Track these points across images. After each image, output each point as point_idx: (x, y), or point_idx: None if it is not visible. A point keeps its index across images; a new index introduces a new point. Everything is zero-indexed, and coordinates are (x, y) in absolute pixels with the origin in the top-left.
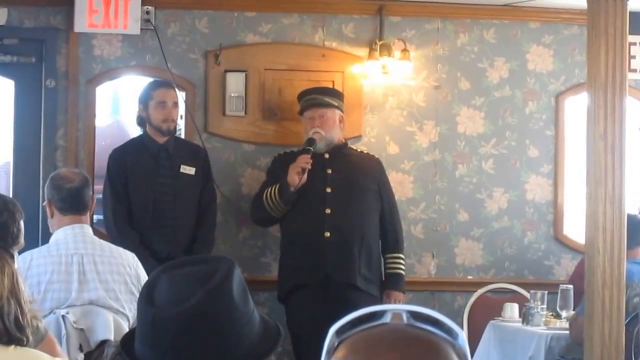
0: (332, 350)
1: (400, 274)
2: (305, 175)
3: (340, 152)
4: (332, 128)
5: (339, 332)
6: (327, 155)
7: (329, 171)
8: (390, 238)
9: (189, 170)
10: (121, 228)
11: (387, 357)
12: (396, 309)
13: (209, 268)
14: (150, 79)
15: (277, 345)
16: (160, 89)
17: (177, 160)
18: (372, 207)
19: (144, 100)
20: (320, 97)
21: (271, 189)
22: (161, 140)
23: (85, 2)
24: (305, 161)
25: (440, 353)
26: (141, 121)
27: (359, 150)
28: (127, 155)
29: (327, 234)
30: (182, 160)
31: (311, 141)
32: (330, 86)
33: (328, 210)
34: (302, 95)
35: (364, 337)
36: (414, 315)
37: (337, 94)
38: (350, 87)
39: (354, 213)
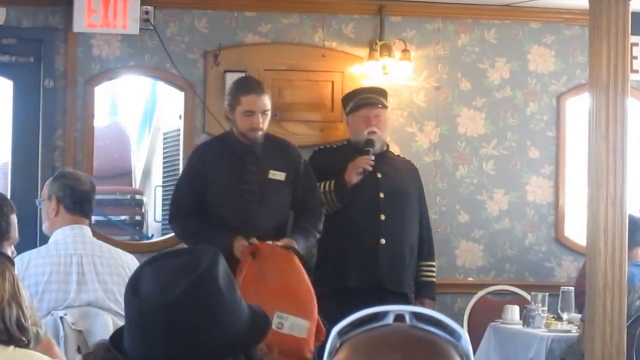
0: (334, 351)
1: (433, 281)
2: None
3: (385, 156)
4: (384, 130)
5: (341, 332)
6: (373, 157)
7: (379, 175)
8: (425, 246)
9: (278, 175)
10: (180, 221)
11: (389, 358)
12: (399, 310)
13: (194, 258)
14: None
15: (266, 333)
16: (250, 96)
17: (266, 165)
18: (416, 215)
19: (231, 103)
20: (376, 97)
21: (326, 184)
22: (248, 141)
23: (84, 1)
24: (367, 162)
25: (443, 354)
26: (228, 120)
27: (396, 154)
28: (210, 154)
29: (383, 241)
30: (272, 165)
31: (370, 142)
32: (331, 87)
33: (383, 217)
34: (355, 94)
35: (366, 338)
36: (417, 316)
37: (386, 96)
38: (351, 88)
39: (406, 220)
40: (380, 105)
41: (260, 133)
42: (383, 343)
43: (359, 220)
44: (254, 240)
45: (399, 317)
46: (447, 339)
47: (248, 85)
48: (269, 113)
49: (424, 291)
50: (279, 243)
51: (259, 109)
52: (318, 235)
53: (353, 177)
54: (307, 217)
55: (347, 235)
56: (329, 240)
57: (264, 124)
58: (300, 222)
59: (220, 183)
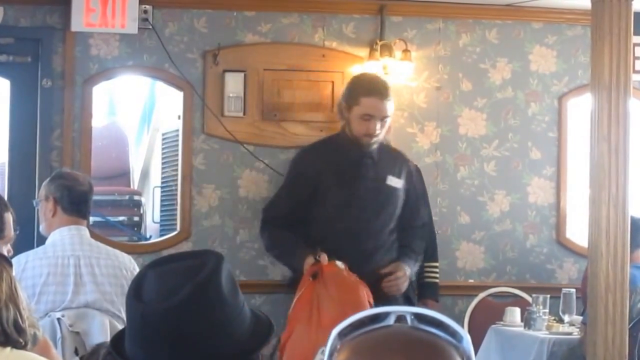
0: (334, 353)
1: (437, 283)
2: None
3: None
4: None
5: (341, 334)
6: None
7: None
8: (429, 247)
9: (395, 182)
10: (270, 231)
11: (389, 358)
12: (400, 311)
13: (197, 262)
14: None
15: (269, 338)
16: (372, 99)
17: (384, 170)
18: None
19: (349, 101)
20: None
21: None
22: (361, 145)
23: (82, 1)
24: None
25: (444, 356)
26: (341, 115)
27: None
28: (320, 157)
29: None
30: (389, 170)
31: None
32: (331, 87)
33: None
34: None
35: (367, 339)
36: (418, 317)
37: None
38: None
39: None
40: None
41: (374, 140)
42: (384, 344)
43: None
44: (323, 259)
45: (400, 318)
46: (449, 340)
47: (372, 86)
48: (389, 120)
49: (427, 292)
50: (386, 270)
51: (379, 114)
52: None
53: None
54: (414, 238)
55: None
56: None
57: (382, 131)
58: (409, 243)
59: (331, 189)
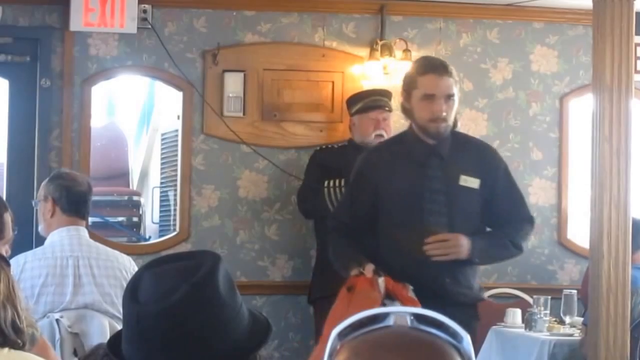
0: (334, 353)
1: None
2: None
3: None
4: (390, 133)
5: (341, 334)
6: None
7: None
8: None
9: (471, 182)
10: (334, 239)
11: (390, 358)
12: (400, 311)
13: (194, 263)
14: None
15: (267, 339)
16: (429, 76)
17: (455, 168)
18: None
19: (407, 87)
20: (385, 100)
21: (333, 184)
22: (431, 141)
23: (81, 0)
24: None
25: (444, 357)
26: (405, 112)
27: None
28: (382, 158)
29: None
30: (462, 168)
31: None
32: (331, 87)
33: None
34: (364, 95)
35: (366, 340)
36: (418, 317)
37: (391, 98)
38: (351, 88)
39: None
40: (387, 109)
41: (444, 125)
42: (384, 345)
43: None
44: (367, 270)
45: (400, 319)
46: (449, 340)
47: (427, 63)
48: (455, 100)
49: None
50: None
51: (441, 91)
52: (515, 251)
53: None
54: (505, 228)
55: None
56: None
57: (449, 113)
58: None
59: (394, 194)
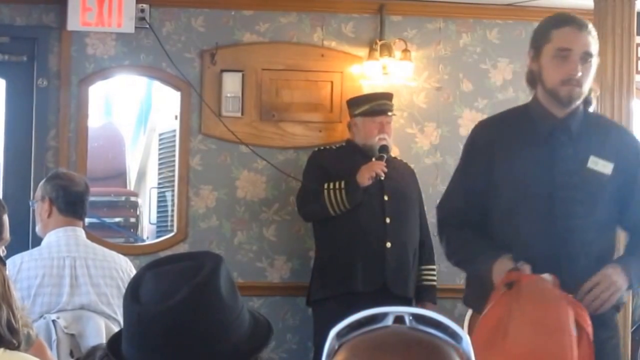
0: (332, 354)
1: (435, 285)
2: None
3: (387, 159)
4: (391, 136)
5: (339, 334)
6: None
7: (383, 178)
8: (426, 249)
9: (602, 166)
10: (448, 233)
11: (388, 359)
12: (398, 311)
13: (195, 264)
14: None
15: (268, 341)
16: (566, 28)
17: (584, 148)
18: (417, 218)
19: (537, 44)
20: (390, 105)
21: (333, 185)
22: (559, 112)
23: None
24: (381, 168)
25: (444, 357)
26: (531, 77)
27: (393, 156)
28: (499, 133)
29: (389, 244)
30: (593, 149)
31: (384, 148)
32: (330, 87)
33: (388, 220)
34: (371, 98)
35: (365, 340)
36: (417, 318)
37: (392, 99)
38: (350, 88)
39: (410, 223)
40: (391, 113)
41: (578, 90)
42: (383, 345)
43: (365, 223)
44: (523, 267)
45: (398, 319)
46: (448, 341)
47: (564, 17)
48: (593, 65)
49: (425, 295)
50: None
51: (579, 47)
52: None
53: (366, 179)
54: None
55: (352, 238)
56: (332, 243)
57: (585, 76)
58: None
59: (514, 178)
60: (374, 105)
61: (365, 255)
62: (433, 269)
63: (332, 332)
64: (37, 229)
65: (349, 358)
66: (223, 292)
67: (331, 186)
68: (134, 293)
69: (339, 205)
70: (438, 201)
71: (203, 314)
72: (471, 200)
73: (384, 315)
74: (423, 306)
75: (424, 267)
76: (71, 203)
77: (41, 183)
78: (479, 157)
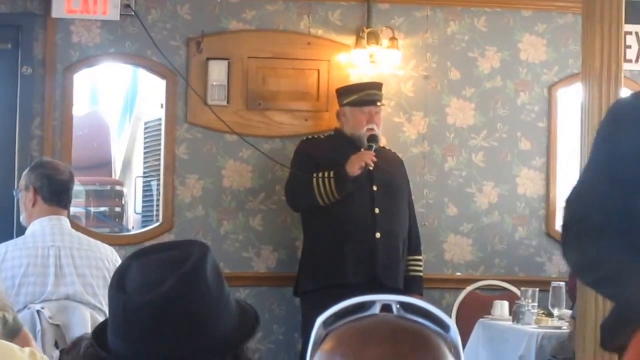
0: (319, 342)
1: (421, 276)
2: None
3: (376, 149)
4: (380, 126)
5: (326, 323)
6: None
7: (372, 168)
8: (414, 240)
9: None
10: (578, 236)
11: (376, 351)
12: (386, 300)
13: (182, 253)
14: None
15: (255, 331)
16: None
17: None
18: (406, 208)
19: None
20: (380, 95)
21: (322, 175)
22: None
23: None
24: (371, 158)
25: (432, 347)
26: None
27: (382, 146)
28: None
29: (378, 235)
30: None
31: (374, 138)
32: (317, 76)
33: (377, 210)
34: (360, 88)
35: (352, 329)
36: (405, 306)
37: (381, 89)
38: (337, 77)
39: (399, 214)
40: (380, 103)
41: None
42: (370, 334)
43: (354, 214)
44: None
45: (386, 308)
46: (436, 330)
47: None
48: None
49: (412, 286)
50: None
51: None
52: None
53: (356, 169)
54: None
55: (342, 229)
56: (321, 235)
57: None
58: None
59: None
60: (363, 96)
61: (355, 247)
62: (420, 260)
63: (319, 321)
64: (22, 218)
65: (336, 347)
66: (210, 281)
67: (320, 175)
68: (120, 283)
69: (329, 195)
70: (570, 195)
71: (190, 304)
72: (619, 195)
73: (371, 304)
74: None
75: (410, 257)
76: (56, 192)
77: (25, 172)
78: (628, 127)
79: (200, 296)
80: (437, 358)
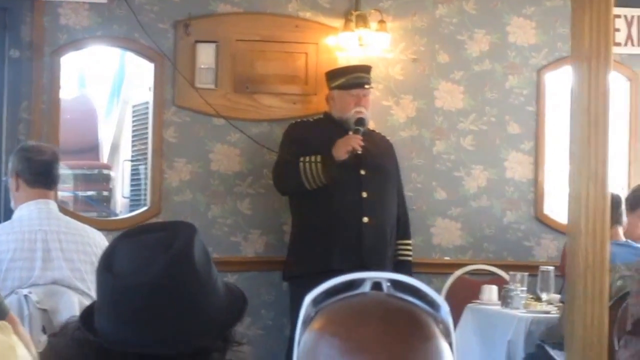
0: (308, 321)
1: (410, 261)
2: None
3: (364, 132)
4: (369, 109)
5: (316, 301)
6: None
7: (359, 151)
8: (402, 224)
9: None
10: None
11: (367, 329)
12: (376, 277)
13: (169, 234)
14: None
15: (244, 313)
16: None
17: None
18: (394, 192)
19: None
20: (367, 77)
21: (309, 159)
22: None
23: None
24: (358, 142)
25: (422, 325)
26: None
27: (374, 131)
28: None
29: (366, 219)
30: None
31: (361, 121)
32: (305, 59)
33: (365, 194)
34: (348, 71)
35: (342, 307)
36: (395, 284)
37: (370, 72)
38: (325, 60)
39: (387, 198)
40: (368, 86)
41: None
42: (361, 312)
43: (341, 198)
44: None
45: (376, 286)
46: (426, 309)
47: None
48: None
49: (401, 270)
50: None
51: None
52: None
53: (342, 153)
54: None
55: (329, 213)
56: (309, 219)
57: None
58: None
59: None
60: (350, 79)
61: (342, 231)
62: (409, 244)
63: (308, 299)
64: (12, 204)
65: (326, 325)
66: (198, 263)
67: (307, 159)
68: (107, 265)
69: (315, 179)
70: None
71: (178, 286)
72: None
73: (361, 282)
74: None
75: (399, 242)
76: (37, 173)
77: (10, 157)
78: None
79: (188, 277)
80: (428, 337)
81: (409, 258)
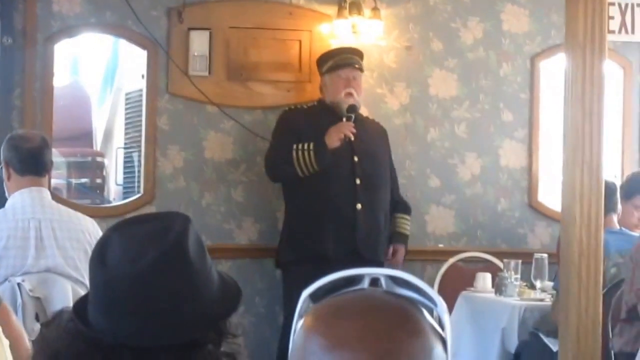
0: (302, 315)
1: (407, 235)
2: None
3: (358, 119)
4: (360, 93)
5: (313, 296)
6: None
7: (352, 138)
8: (401, 204)
9: None
10: None
11: (348, 324)
12: (374, 273)
13: (163, 225)
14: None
15: (238, 304)
16: None
17: None
18: (388, 179)
19: None
20: (356, 58)
21: (302, 147)
22: None
23: None
24: (350, 129)
25: (409, 320)
26: None
27: (367, 117)
28: None
29: (359, 206)
30: None
31: (352, 108)
32: (298, 46)
33: (358, 181)
34: (334, 53)
35: (332, 303)
36: (393, 280)
37: (363, 58)
38: (319, 47)
39: (380, 185)
40: (357, 67)
41: None
42: (347, 309)
43: (334, 185)
44: None
45: (374, 281)
46: (423, 305)
47: None
48: None
49: (397, 239)
50: None
51: None
52: None
53: (334, 141)
54: None
55: (322, 200)
56: (302, 206)
57: None
58: None
59: None
60: (338, 60)
61: (335, 218)
62: (408, 219)
63: (305, 293)
64: (7, 194)
65: (311, 323)
66: (192, 254)
67: (300, 147)
68: (100, 256)
69: (308, 166)
70: None
71: (172, 278)
72: None
73: (360, 278)
74: (395, 250)
75: (399, 215)
76: (25, 161)
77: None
78: None
79: (183, 269)
80: (414, 332)
81: (407, 232)
